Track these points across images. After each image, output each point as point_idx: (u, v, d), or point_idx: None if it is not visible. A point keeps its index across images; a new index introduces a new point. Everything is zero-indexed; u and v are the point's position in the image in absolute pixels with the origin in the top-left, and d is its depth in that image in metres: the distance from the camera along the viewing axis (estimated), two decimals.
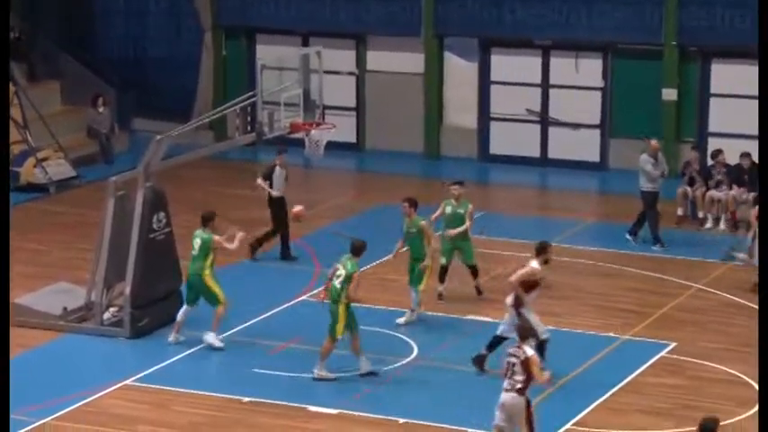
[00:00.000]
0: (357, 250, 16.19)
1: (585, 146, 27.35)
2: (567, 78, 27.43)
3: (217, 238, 16.98)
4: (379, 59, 28.50)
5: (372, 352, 16.70)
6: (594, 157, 27.32)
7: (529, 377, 13.38)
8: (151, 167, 17.88)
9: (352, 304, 16.07)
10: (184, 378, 16.29)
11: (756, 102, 26.01)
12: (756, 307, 18.48)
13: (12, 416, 12.39)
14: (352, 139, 28.53)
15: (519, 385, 13.37)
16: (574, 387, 15.87)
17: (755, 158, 23.46)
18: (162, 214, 17.91)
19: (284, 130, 18.39)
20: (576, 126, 27.49)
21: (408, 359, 16.74)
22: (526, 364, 13.36)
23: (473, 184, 22.94)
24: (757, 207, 15.06)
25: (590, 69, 27.31)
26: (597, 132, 27.42)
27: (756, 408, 15.08)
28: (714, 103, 26.49)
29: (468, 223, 18.74)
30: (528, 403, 13.53)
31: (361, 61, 28.60)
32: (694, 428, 14.49)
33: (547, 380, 13.78)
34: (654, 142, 22.54)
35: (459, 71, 28.12)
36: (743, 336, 17.56)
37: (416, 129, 28.11)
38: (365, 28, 28.30)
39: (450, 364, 16.53)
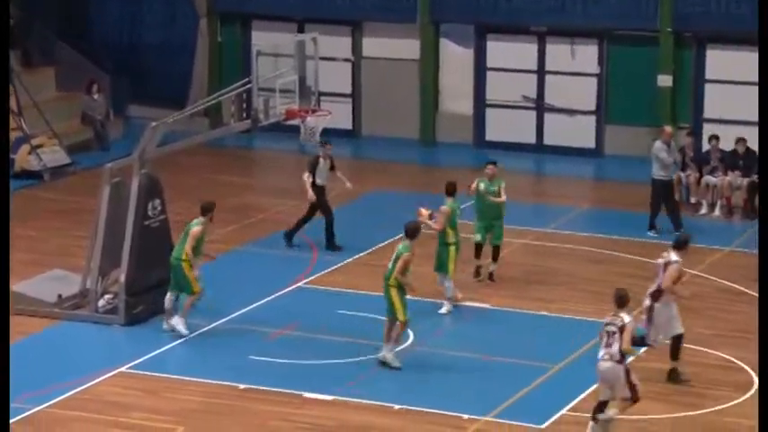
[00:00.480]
0: (410, 232, 16.05)
1: (581, 132, 27.29)
2: (562, 65, 27.36)
3: (195, 229, 16.84)
4: (375, 46, 28.42)
5: (370, 338, 16.66)
6: (590, 143, 27.26)
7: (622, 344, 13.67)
8: (146, 154, 17.80)
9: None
10: (179, 365, 16.25)
11: (752, 87, 26.04)
12: (753, 293, 18.46)
13: None
14: (348, 125, 28.46)
15: (617, 357, 13.65)
16: (568, 373, 15.83)
17: (750, 144, 23.50)
18: (157, 201, 17.84)
19: (280, 117, 18.32)
20: (572, 112, 27.43)
21: (405, 345, 16.69)
22: (623, 330, 13.63)
23: (468, 170, 22.87)
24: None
25: (586, 55, 27.23)
26: (593, 118, 27.36)
27: (753, 392, 15.09)
28: (709, 88, 26.44)
29: (503, 197, 18.93)
30: (627, 370, 13.75)
31: (357, 48, 28.51)
32: (690, 413, 14.54)
33: (630, 351, 13.93)
34: (668, 129, 22.53)
35: (455, 57, 28.04)
36: (738, 321, 17.52)
37: (412, 115, 28.04)
38: (361, 14, 28.20)
39: (447, 350, 16.49)
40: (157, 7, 29.51)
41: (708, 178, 23.06)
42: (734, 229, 21.92)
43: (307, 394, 15.23)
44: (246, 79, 18.36)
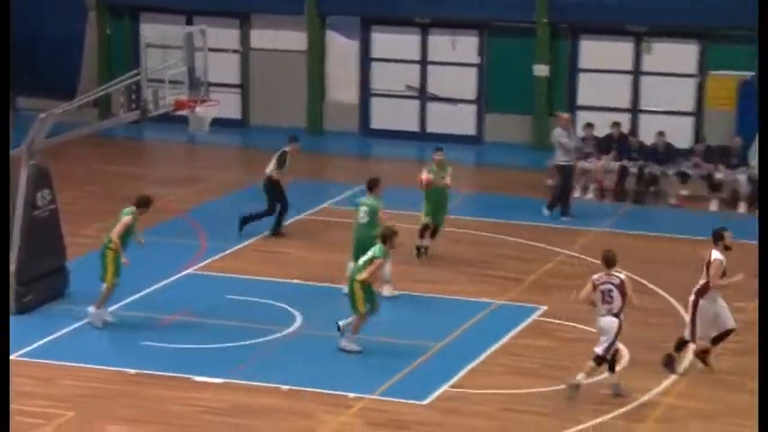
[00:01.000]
0: (385, 238, 16.03)
1: (462, 120, 27.58)
2: (444, 55, 27.62)
3: (126, 218, 16.67)
4: (262, 38, 28.37)
5: (258, 322, 16.70)
6: (471, 130, 27.56)
7: (624, 301, 14.28)
8: (35, 145, 17.57)
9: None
10: (70, 352, 16.08)
11: (623, 76, 26.64)
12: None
13: None
14: (238, 115, 28.39)
15: (616, 310, 14.34)
16: (450, 351, 16.03)
17: (623, 129, 24.00)
18: (46, 191, 17.63)
19: (169, 108, 18.21)
20: (454, 101, 27.70)
21: (292, 329, 16.76)
22: (622, 287, 14.33)
23: (354, 157, 22.98)
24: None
25: (466, 47, 27.52)
26: (473, 107, 27.67)
27: (624, 363, 15.43)
28: (583, 77, 26.91)
29: (448, 180, 19.38)
30: (620, 326, 14.41)
31: (245, 39, 28.43)
32: (563, 386, 14.83)
33: (639, 304, 14.72)
34: (566, 115, 22.90)
35: (341, 49, 28.11)
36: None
37: (299, 105, 28.08)
38: (249, 6, 28.12)
39: (333, 333, 16.58)
40: (46, 0, 29.06)
41: (582, 164, 23.50)
42: (605, 211, 22.36)
43: (197, 378, 15.21)
44: (136, 71, 18.21)
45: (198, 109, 18.45)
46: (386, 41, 28.03)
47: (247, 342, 16.29)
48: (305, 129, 28.00)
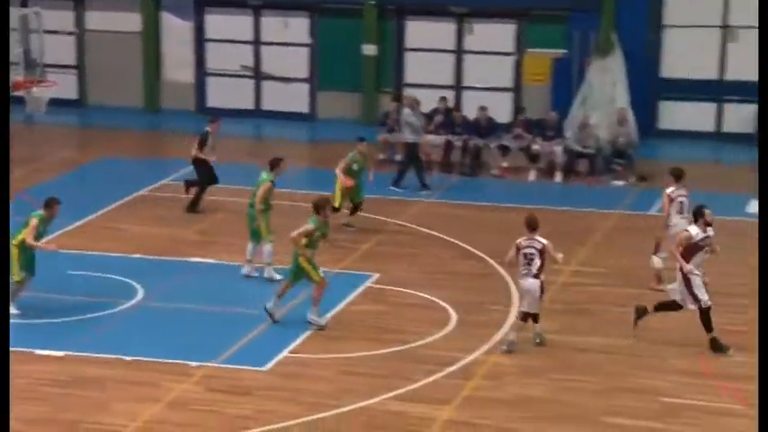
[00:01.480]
0: (318, 208, 15.76)
1: (295, 98, 27.54)
2: (277, 36, 27.51)
3: (33, 221, 16.07)
4: (98, 19, 27.78)
5: (98, 296, 16.40)
6: (304, 108, 27.55)
7: (543, 263, 14.51)
8: None
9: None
10: None
11: (447, 55, 26.96)
12: (447, 238, 19.18)
13: None
14: (75, 95, 27.75)
15: (535, 270, 14.54)
16: (288, 319, 15.98)
17: (450, 104, 24.30)
18: None
19: None
20: (287, 80, 27.63)
21: (134, 301, 16.50)
22: (543, 252, 14.51)
23: (191, 135, 22.68)
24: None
25: (298, 27, 27.46)
26: (306, 86, 27.64)
27: (451, 327, 15.69)
28: (409, 56, 27.14)
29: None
30: (542, 287, 14.66)
31: (80, 21, 27.78)
32: (398, 348, 15.00)
33: (562, 258, 14.79)
34: (412, 96, 23.09)
35: (176, 30, 27.73)
36: (434, 264, 18.14)
37: (136, 84, 27.62)
38: None
39: (175, 303, 16.40)
40: None
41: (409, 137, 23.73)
42: (433, 183, 22.59)
43: (39, 351, 14.85)
44: None
45: (34, 89, 18.04)
46: (220, 22, 27.77)
47: (90, 315, 15.97)
48: (142, 108, 27.59)
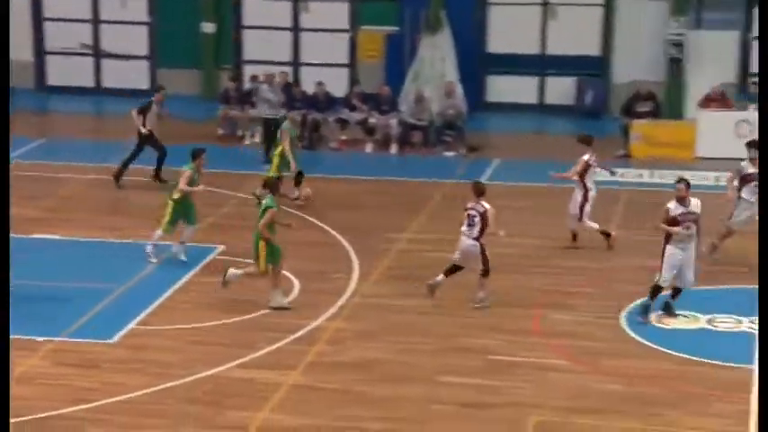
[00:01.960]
0: (272, 188, 15.15)
1: (136, 75, 27.02)
2: (115, 14, 26.92)
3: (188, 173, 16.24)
4: None
5: None
6: (144, 85, 27.03)
7: (484, 227, 14.76)
8: None
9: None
10: None
11: (285, 32, 26.85)
12: (288, 209, 19.13)
13: None
14: None
15: (476, 234, 14.78)
16: (135, 292, 15.71)
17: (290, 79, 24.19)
18: None
19: None
20: (127, 57, 27.08)
21: None
22: (485, 215, 14.73)
23: (32, 113, 22.08)
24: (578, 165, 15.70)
25: (136, 5, 26.92)
26: (146, 63, 27.14)
27: (294, 294, 15.69)
28: (247, 33, 26.91)
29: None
30: (483, 247, 14.89)
31: None
32: (243, 317, 14.92)
33: (500, 232, 14.90)
34: (271, 72, 22.93)
35: (14, 8, 26.73)
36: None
37: None
38: None
39: (20, 280, 15.86)
40: None
41: (252, 112, 23.63)
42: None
43: None
44: None
45: None
46: (57, 1, 27.03)
47: None
48: None
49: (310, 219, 18.65)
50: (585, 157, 17.22)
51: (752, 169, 16.42)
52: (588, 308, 15.07)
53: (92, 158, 21.53)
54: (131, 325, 14.68)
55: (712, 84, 23.22)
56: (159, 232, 16.72)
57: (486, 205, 15.00)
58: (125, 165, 20.33)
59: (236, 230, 18.14)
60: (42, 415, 12.30)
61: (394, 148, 23.50)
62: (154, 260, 16.59)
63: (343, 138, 23.76)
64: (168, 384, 13.00)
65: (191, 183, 16.67)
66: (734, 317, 14.66)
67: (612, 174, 18.10)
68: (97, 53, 27.11)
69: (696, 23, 25.21)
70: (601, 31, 25.79)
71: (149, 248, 16.71)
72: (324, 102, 23.97)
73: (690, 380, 13.03)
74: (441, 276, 15.23)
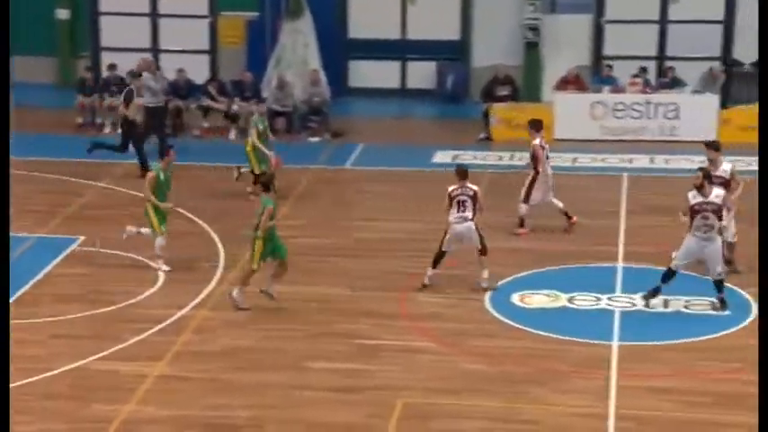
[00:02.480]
0: (266, 186, 14.58)
1: None
2: None
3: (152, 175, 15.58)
4: None
5: None
6: None
7: (476, 208, 14.98)
8: None
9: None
10: None
11: (141, 18, 26.42)
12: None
13: None
14: None
15: (470, 216, 14.98)
16: None
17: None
18: None
19: None
20: None
21: None
22: (475, 197, 14.98)
23: None
24: None
25: None
26: None
27: (158, 287, 15.50)
28: (104, 20, 26.42)
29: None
30: (477, 228, 15.06)
31: None
32: (107, 309, 14.66)
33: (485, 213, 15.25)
34: (149, 59, 22.68)
35: None
36: (140, 225, 17.79)
37: None
38: None
39: None
40: None
41: (110, 101, 23.24)
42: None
43: None
44: None
45: None
46: None
47: None
48: None
49: (176, 209, 18.41)
50: (536, 141, 17.23)
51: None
52: (454, 290, 15.27)
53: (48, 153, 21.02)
54: None
55: (568, 67, 23.75)
56: (160, 240, 16.02)
57: (474, 187, 15.21)
58: (142, 162, 19.79)
59: (97, 221, 17.82)
60: None
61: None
62: (166, 268, 15.88)
63: (206, 125, 23.51)
64: (31, 379, 12.70)
65: (159, 183, 15.99)
66: (593, 295, 15.04)
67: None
68: None
69: (551, 7, 25.73)
70: (460, 16, 26.09)
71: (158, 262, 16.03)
72: (185, 89, 23.67)
73: (552, 358, 13.33)
74: (431, 271, 15.22)
